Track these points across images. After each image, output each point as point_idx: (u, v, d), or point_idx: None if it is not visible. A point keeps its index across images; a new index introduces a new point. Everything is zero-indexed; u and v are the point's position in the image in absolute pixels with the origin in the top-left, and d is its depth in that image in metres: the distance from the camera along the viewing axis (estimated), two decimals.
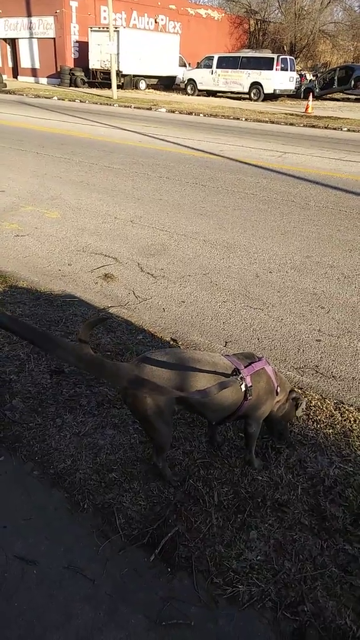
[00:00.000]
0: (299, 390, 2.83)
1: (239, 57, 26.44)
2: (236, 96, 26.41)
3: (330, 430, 2.52)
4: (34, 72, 32.95)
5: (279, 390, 2.16)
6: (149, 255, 4.92)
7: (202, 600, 1.70)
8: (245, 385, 1.98)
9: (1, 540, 1.85)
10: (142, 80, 29.35)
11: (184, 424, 2.50)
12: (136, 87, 28.94)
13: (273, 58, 24.90)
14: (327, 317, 3.85)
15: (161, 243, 5.26)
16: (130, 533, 1.92)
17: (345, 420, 2.61)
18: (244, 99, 25.82)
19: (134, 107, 20.38)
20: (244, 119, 17.97)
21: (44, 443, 2.35)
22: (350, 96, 27.14)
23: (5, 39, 33.61)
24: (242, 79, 25.67)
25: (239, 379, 1.94)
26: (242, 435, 2.35)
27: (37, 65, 32.64)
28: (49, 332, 2.69)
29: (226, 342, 3.45)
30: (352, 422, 2.59)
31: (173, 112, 19.58)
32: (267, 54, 26.90)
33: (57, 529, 1.92)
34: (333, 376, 3.09)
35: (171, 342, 3.34)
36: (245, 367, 2.02)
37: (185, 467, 2.24)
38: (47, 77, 31.83)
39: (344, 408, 2.72)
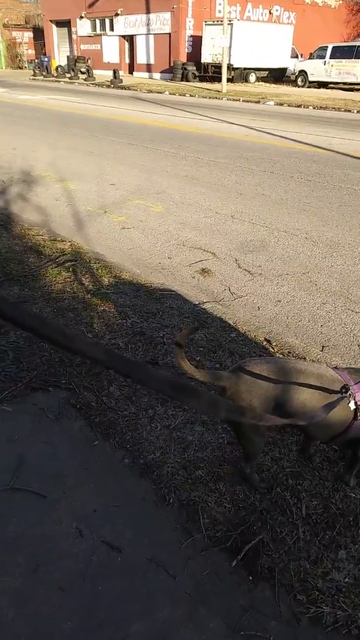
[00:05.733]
0: None
1: (355, 46, 25.10)
2: (349, 87, 25.12)
3: None
4: (148, 68, 33.85)
5: None
6: (247, 251, 4.84)
7: (283, 615, 1.64)
8: (355, 403, 1.78)
9: (90, 524, 1.92)
10: (252, 73, 28.98)
11: (275, 428, 2.43)
12: (246, 80, 28.64)
13: None
14: None
15: (260, 239, 5.15)
16: (213, 534, 1.90)
17: None
18: (357, 90, 24.49)
19: (242, 101, 20.18)
20: (355, 111, 17.04)
21: (136, 432, 2.40)
22: None
23: (124, 36, 34.89)
24: (356, 69, 24.36)
25: (347, 395, 1.75)
26: (342, 452, 2.23)
27: (151, 61, 33.49)
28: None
29: (323, 347, 3.30)
30: None
31: (281, 104, 19.10)
32: None
33: (143, 519, 1.96)
34: None
35: (264, 343, 3.26)
36: (356, 383, 1.83)
37: (273, 475, 2.18)
38: (161, 72, 32.56)
39: None
